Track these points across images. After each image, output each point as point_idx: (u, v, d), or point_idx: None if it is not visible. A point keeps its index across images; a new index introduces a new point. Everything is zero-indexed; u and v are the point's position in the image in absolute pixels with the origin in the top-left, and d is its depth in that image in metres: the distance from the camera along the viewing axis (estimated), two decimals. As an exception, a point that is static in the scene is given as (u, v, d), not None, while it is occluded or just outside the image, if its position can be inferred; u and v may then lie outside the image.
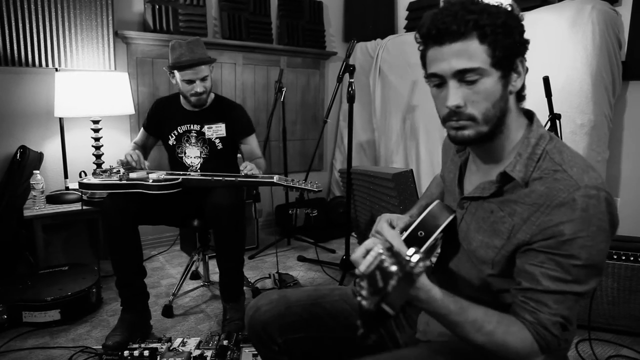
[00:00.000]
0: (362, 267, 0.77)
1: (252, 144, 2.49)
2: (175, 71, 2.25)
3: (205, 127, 2.37)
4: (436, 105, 0.97)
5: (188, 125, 2.38)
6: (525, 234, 0.89)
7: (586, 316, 2.03)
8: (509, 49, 0.89)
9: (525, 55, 0.94)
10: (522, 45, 0.92)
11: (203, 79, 2.26)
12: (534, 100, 2.04)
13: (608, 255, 2.04)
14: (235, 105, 2.52)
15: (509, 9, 0.92)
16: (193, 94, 2.27)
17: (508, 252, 0.93)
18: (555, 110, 2.05)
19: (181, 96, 2.38)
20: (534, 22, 2.63)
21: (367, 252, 0.85)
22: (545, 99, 2.02)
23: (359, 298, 0.70)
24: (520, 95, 0.98)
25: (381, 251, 0.72)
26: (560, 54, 2.53)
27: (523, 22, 0.93)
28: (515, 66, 0.92)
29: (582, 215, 0.83)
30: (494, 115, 0.92)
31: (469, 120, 0.92)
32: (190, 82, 2.25)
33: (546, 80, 1.97)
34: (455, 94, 0.90)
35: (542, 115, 2.02)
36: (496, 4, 0.90)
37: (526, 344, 0.86)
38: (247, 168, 2.11)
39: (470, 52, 0.88)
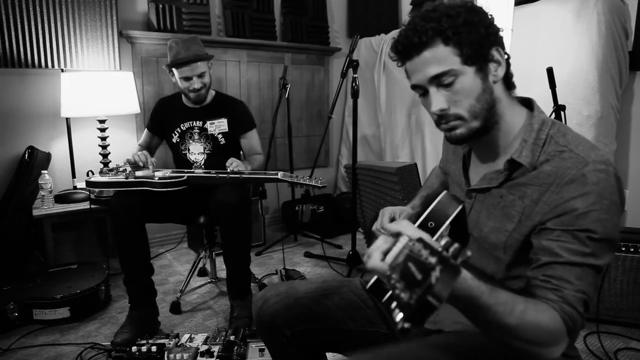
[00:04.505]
0: (389, 258, 0.74)
1: (252, 139, 2.50)
2: (174, 69, 2.28)
3: (208, 123, 2.39)
4: (428, 112, 1.00)
5: (191, 122, 2.40)
6: (537, 215, 0.90)
7: (594, 309, 2.01)
8: (477, 43, 0.91)
9: (501, 44, 0.95)
10: (493, 35, 0.93)
11: (200, 75, 2.27)
12: (539, 92, 2.03)
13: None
14: (237, 101, 2.54)
15: (470, 4, 0.93)
16: (191, 91, 2.29)
17: (521, 236, 0.93)
18: (561, 102, 2.03)
19: (182, 94, 2.40)
20: (537, 14, 2.61)
21: (385, 254, 0.80)
22: (550, 91, 1.99)
23: (396, 291, 0.66)
24: (508, 83, 0.99)
25: (411, 242, 0.70)
26: (564, 45, 2.51)
27: (490, 15, 0.95)
28: (491, 57, 0.94)
29: (594, 189, 0.83)
30: (481, 109, 0.94)
31: (456, 120, 0.95)
32: (188, 79, 2.27)
33: (550, 71, 1.95)
34: (436, 99, 0.94)
35: (547, 107, 2.02)
36: (455, 5, 0.92)
37: (557, 323, 0.82)
38: (233, 165, 2.11)
39: (438, 57, 0.91)
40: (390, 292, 0.68)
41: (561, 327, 0.82)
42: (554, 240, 0.86)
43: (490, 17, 0.95)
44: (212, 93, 2.45)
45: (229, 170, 2.09)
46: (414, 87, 0.98)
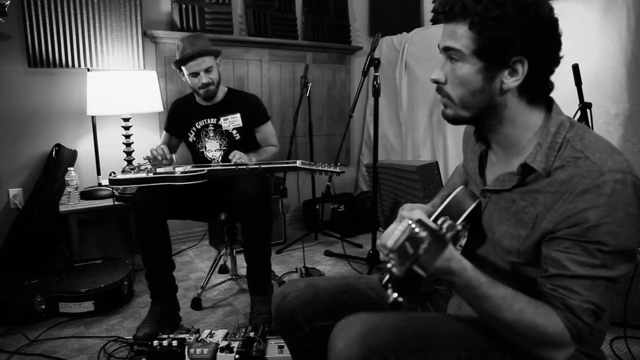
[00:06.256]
0: (391, 241, 0.75)
1: (266, 132, 2.51)
2: (182, 67, 2.30)
3: (222, 119, 2.41)
4: None
5: (205, 120, 2.42)
6: (549, 223, 0.87)
7: (621, 313, 1.96)
8: (497, 42, 0.86)
9: (535, 57, 0.87)
10: (526, 45, 0.86)
11: (207, 70, 2.28)
12: (564, 89, 1.98)
13: (644, 249, 1.97)
14: (248, 95, 2.55)
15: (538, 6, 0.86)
16: (200, 87, 2.30)
17: (533, 242, 0.91)
18: (587, 100, 1.98)
19: (194, 92, 2.43)
20: (562, 10, 2.54)
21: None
22: (575, 88, 1.95)
23: (388, 265, 0.71)
24: (530, 97, 0.93)
25: (411, 222, 0.72)
26: (591, 42, 2.44)
27: (550, 24, 0.88)
28: (510, 64, 0.88)
29: (608, 201, 0.80)
30: (473, 103, 0.93)
31: (447, 98, 0.97)
32: (196, 74, 2.28)
33: (575, 68, 1.90)
34: (438, 69, 0.96)
35: (573, 105, 1.97)
36: None
37: (557, 329, 0.82)
38: (235, 157, 2.13)
39: (457, 34, 0.90)
40: (387, 272, 0.72)
41: (563, 333, 0.82)
42: (563, 251, 0.84)
43: (545, 25, 0.87)
44: (224, 89, 2.47)
45: (232, 163, 2.10)
46: (438, 46, 0.98)
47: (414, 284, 0.69)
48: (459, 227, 0.70)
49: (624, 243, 0.81)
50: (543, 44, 0.88)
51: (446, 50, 0.93)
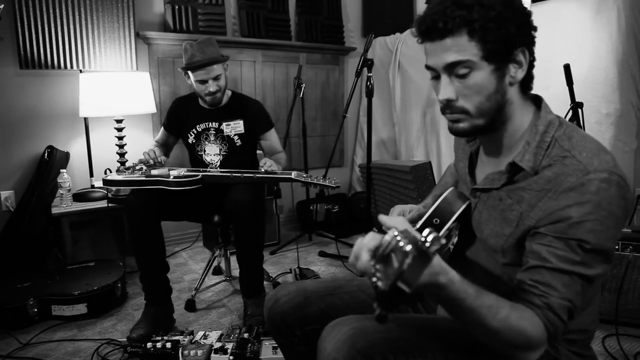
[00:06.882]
0: (381, 249, 0.74)
1: (271, 139, 2.50)
2: (189, 72, 2.28)
3: (224, 124, 2.39)
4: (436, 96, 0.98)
5: (206, 124, 2.41)
6: (531, 220, 0.88)
7: (613, 311, 1.97)
8: (502, 41, 0.87)
9: (530, 45, 0.91)
10: (522, 35, 0.89)
11: (216, 78, 2.26)
12: (556, 89, 2.00)
13: (635, 248, 2.00)
14: (253, 101, 2.53)
15: None
16: (207, 94, 2.28)
17: (515, 240, 0.92)
18: (579, 100, 2.00)
19: (198, 97, 2.40)
20: (555, 11, 2.57)
21: (372, 251, 0.78)
22: (567, 88, 1.96)
23: (374, 279, 0.70)
24: (525, 86, 0.96)
25: (396, 234, 0.72)
26: (583, 42, 2.46)
27: (527, 11, 0.90)
28: (514, 57, 0.90)
29: (592, 199, 0.81)
30: (489, 108, 0.92)
31: (461, 113, 0.93)
32: (204, 82, 2.26)
33: (567, 68, 1.92)
34: (445, 88, 0.92)
35: (564, 104, 1.99)
36: None
37: (538, 330, 0.82)
38: (266, 164, 2.13)
39: (459, 47, 0.88)
40: (373, 284, 0.71)
41: (542, 333, 0.82)
42: (545, 245, 0.85)
43: (526, 14, 0.90)
44: (228, 93, 2.45)
45: (262, 170, 2.10)
46: (428, 67, 0.95)
47: (399, 299, 0.69)
48: (443, 241, 0.69)
49: (604, 242, 0.82)
50: (530, 27, 0.91)
51: (449, 67, 0.90)
